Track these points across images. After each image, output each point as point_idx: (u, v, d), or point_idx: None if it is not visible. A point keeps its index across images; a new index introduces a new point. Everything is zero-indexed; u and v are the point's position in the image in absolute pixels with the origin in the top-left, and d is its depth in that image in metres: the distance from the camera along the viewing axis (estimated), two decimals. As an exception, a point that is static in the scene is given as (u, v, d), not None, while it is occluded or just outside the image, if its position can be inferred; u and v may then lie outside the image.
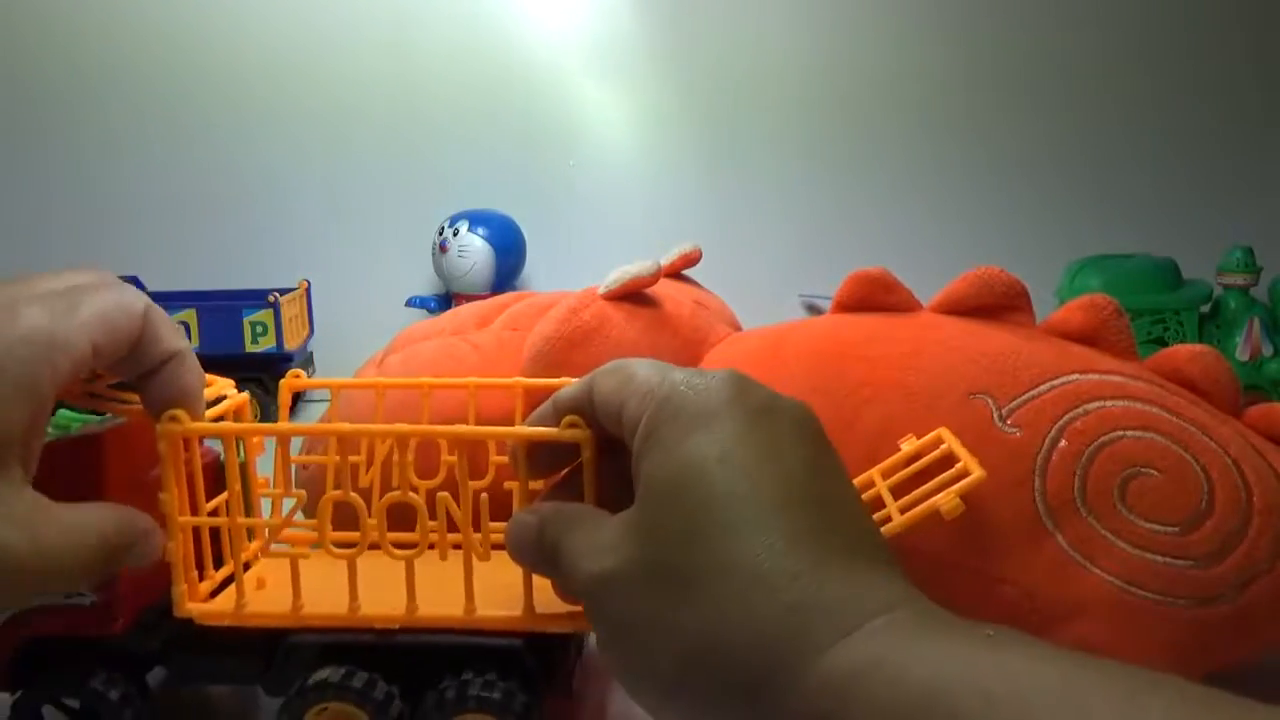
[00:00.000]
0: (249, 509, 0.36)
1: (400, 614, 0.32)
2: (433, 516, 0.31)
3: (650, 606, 0.24)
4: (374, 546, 0.30)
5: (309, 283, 0.85)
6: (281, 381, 0.39)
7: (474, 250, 0.83)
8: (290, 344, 0.79)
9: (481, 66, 0.89)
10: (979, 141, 0.89)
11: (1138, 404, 0.36)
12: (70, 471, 0.30)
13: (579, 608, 0.30)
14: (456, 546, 0.31)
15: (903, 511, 0.33)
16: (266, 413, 0.74)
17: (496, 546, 0.30)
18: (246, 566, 0.34)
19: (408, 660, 0.33)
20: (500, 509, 0.31)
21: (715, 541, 0.23)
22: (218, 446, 0.34)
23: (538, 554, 0.28)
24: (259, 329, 0.77)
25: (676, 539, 0.24)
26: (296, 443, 0.42)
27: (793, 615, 0.22)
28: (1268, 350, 0.66)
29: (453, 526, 0.31)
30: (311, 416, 0.78)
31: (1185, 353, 0.39)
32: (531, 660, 0.33)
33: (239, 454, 0.35)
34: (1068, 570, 0.34)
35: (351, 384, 0.41)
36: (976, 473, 0.33)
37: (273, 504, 0.37)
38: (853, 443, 0.38)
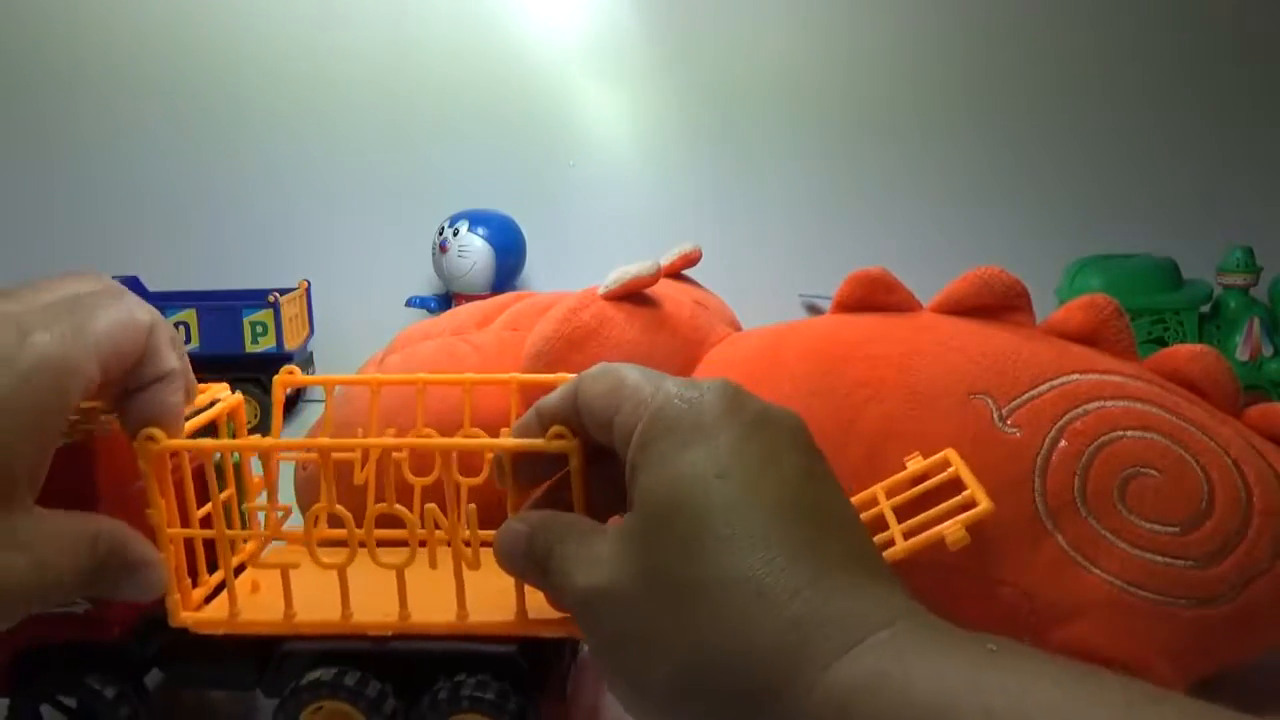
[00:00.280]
0: (243, 510, 0.36)
1: (393, 620, 0.32)
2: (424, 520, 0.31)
3: (648, 619, 0.24)
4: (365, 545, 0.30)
5: (309, 283, 0.85)
6: (275, 378, 0.38)
7: (474, 250, 0.83)
8: (290, 344, 0.79)
9: (482, 66, 0.89)
10: (979, 141, 0.89)
11: (1138, 404, 0.36)
12: (60, 479, 0.30)
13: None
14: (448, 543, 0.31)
15: (906, 536, 0.33)
16: (266, 413, 0.74)
17: (487, 544, 0.29)
18: (242, 568, 0.34)
19: (402, 663, 0.33)
20: (493, 508, 0.31)
21: (715, 555, 0.23)
22: None
23: (528, 563, 0.28)
24: (259, 329, 0.78)
25: (675, 552, 0.24)
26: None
27: (795, 630, 0.22)
28: (1268, 350, 0.66)
29: None
30: (311, 415, 0.78)
31: (1185, 353, 0.39)
32: (525, 664, 0.33)
33: (232, 459, 0.35)
34: (1068, 571, 0.34)
35: (346, 380, 0.41)
36: (984, 504, 0.33)
37: (266, 515, 0.37)
38: (852, 443, 0.38)
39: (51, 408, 0.25)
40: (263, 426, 0.75)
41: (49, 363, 0.25)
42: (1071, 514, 0.35)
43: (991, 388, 0.37)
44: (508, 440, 0.29)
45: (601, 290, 0.45)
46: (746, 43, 0.88)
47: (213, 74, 0.89)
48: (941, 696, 0.20)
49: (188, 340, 0.78)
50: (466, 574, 0.31)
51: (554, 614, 0.30)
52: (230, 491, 0.34)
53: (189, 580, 0.32)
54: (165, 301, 0.75)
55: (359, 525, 0.30)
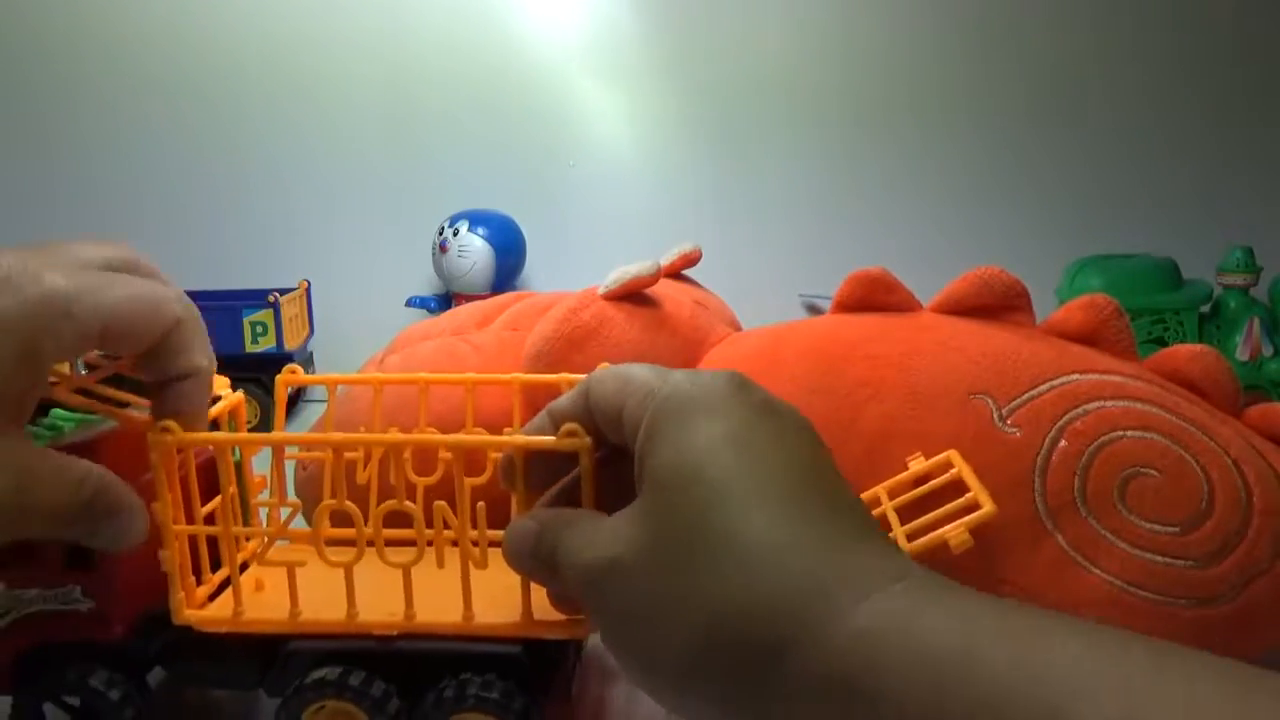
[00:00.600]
0: (245, 510, 0.36)
1: (399, 620, 0.31)
2: (431, 519, 0.30)
3: (661, 586, 0.24)
4: (372, 543, 0.30)
5: (309, 283, 0.85)
6: (278, 377, 0.39)
7: (474, 250, 0.83)
8: (290, 344, 0.79)
9: (482, 66, 0.89)
10: (979, 141, 0.89)
11: (1137, 404, 0.36)
12: None
13: (577, 615, 0.30)
14: (454, 543, 0.31)
15: (909, 537, 0.33)
16: (266, 413, 0.74)
17: (495, 544, 0.29)
18: (245, 567, 0.34)
19: (407, 663, 0.33)
20: (499, 508, 0.31)
21: (731, 512, 0.23)
22: None
23: (535, 560, 0.27)
24: (259, 329, 0.77)
25: (691, 515, 0.24)
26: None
27: (813, 578, 0.22)
28: (1268, 350, 0.66)
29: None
30: (312, 415, 0.78)
31: (1185, 353, 0.39)
32: (530, 664, 0.33)
33: (234, 456, 0.35)
34: (1068, 570, 0.34)
35: (348, 379, 0.41)
36: (988, 507, 0.33)
37: (269, 512, 0.37)
38: (852, 442, 0.38)
39: (46, 346, 0.25)
40: (263, 426, 0.75)
41: (53, 300, 0.25)
42: (1071, 514, 0.35)
43: (991, 387, 0.37)
44: (519, 438, 0.29)
45: (601, 290, 0.45)
46: (747, 43, 0.88)
47: (212, 74, 0.89)
48: (965, 637, 0.20)
49: (188, 340, 0.77)
50: (471, 573, 0.31)
51: (559, 615, 0.30)
52: (235, 488, 0.34)
53: (193, 578, 0.32)
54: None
55: (364, 524, 0.30)
